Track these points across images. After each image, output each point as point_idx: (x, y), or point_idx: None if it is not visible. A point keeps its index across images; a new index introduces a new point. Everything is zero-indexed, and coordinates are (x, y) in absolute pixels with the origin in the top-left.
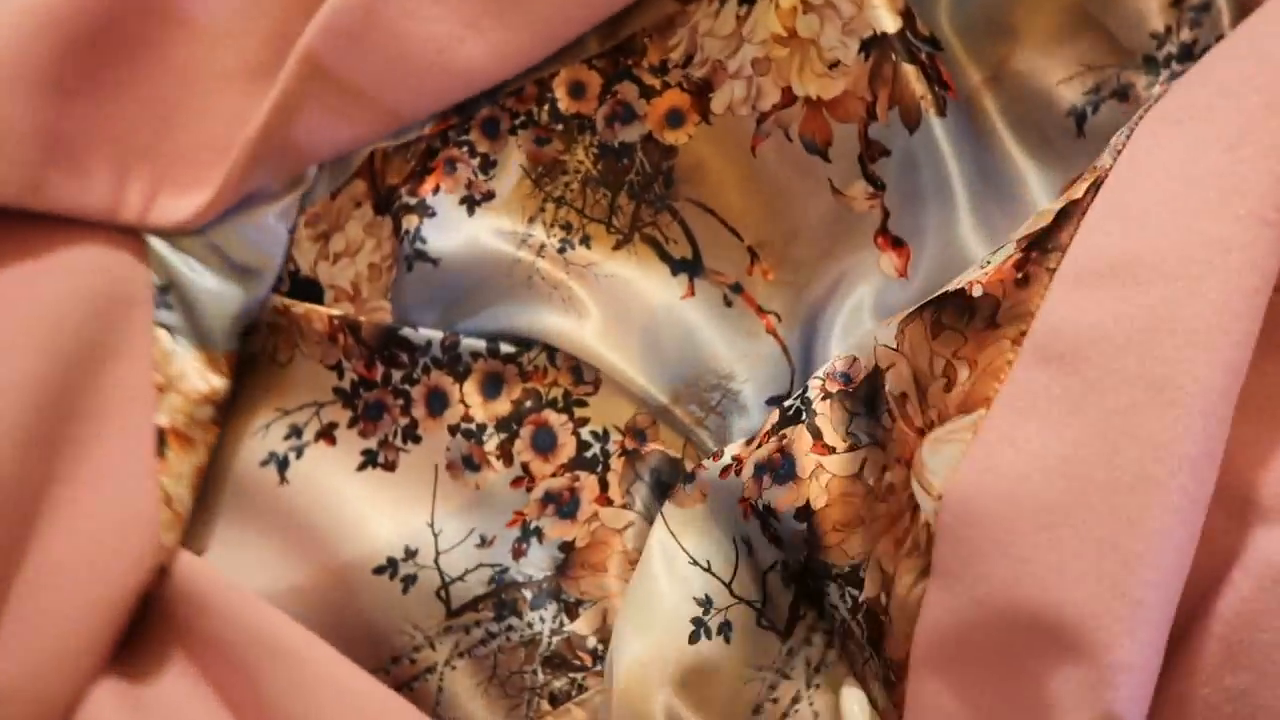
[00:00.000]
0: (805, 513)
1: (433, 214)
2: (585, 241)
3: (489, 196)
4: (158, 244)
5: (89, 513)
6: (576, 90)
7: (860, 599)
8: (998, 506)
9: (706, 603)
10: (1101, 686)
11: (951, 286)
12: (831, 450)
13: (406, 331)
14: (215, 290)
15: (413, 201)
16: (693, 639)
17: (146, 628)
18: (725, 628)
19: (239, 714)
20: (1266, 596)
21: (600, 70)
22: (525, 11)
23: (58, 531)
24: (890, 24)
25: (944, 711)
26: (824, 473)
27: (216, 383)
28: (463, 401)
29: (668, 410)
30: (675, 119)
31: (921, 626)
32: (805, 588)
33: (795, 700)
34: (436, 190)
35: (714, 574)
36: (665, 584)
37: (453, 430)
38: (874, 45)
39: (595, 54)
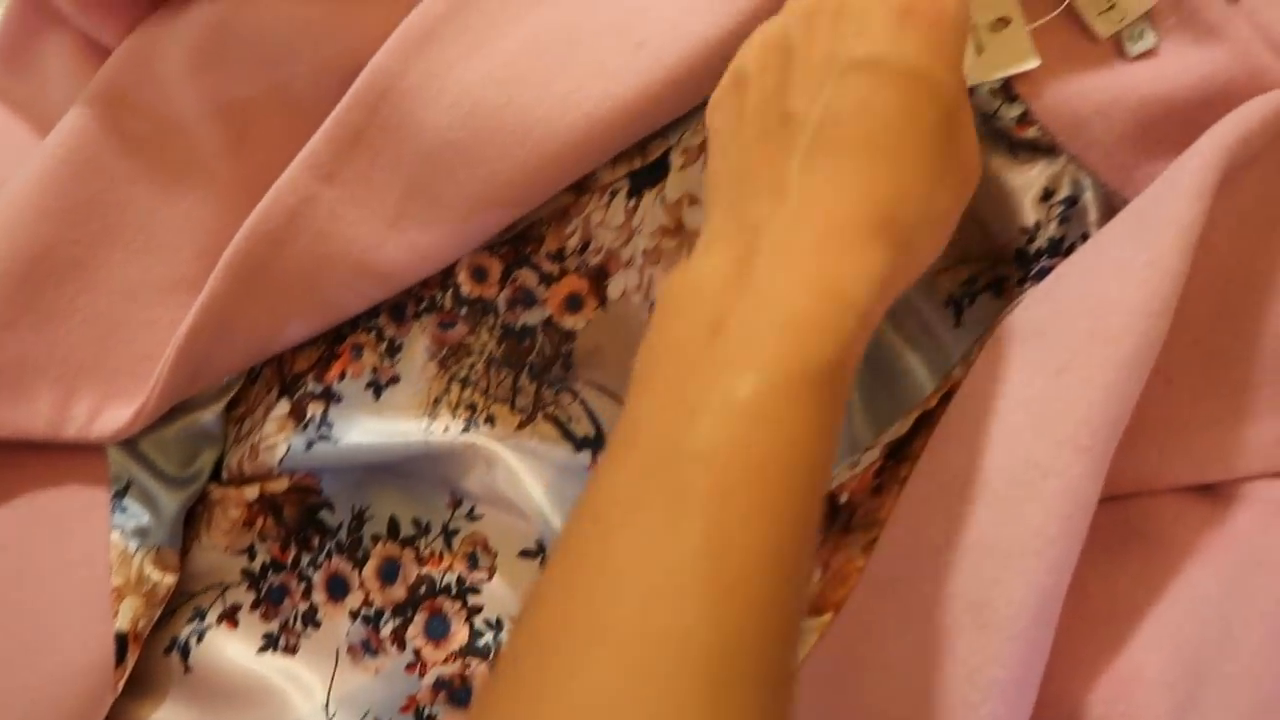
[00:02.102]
0: None
1: (339, 400)
2: (490, 420)
3: (394, 380)
4: (114, 448)
5: None
6: (479, 274)
7: None
8: None
9: None
10: None
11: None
12: None
13: (324, 514)
14: (167, 488)
15: (318, 390)
16: None
17: None
18: None
19: None
20: None
21: (501, 256)
22: (442, 210)
23: None
24: None
25: None
26: None
27: (170, 580)
28: (362, 587)
29: None
30: (574, 303)
31: None
32: None
33: None
34: (343, 376)
35: None
36: None
37: (353, 615)
38: None
39: (496, 240)
